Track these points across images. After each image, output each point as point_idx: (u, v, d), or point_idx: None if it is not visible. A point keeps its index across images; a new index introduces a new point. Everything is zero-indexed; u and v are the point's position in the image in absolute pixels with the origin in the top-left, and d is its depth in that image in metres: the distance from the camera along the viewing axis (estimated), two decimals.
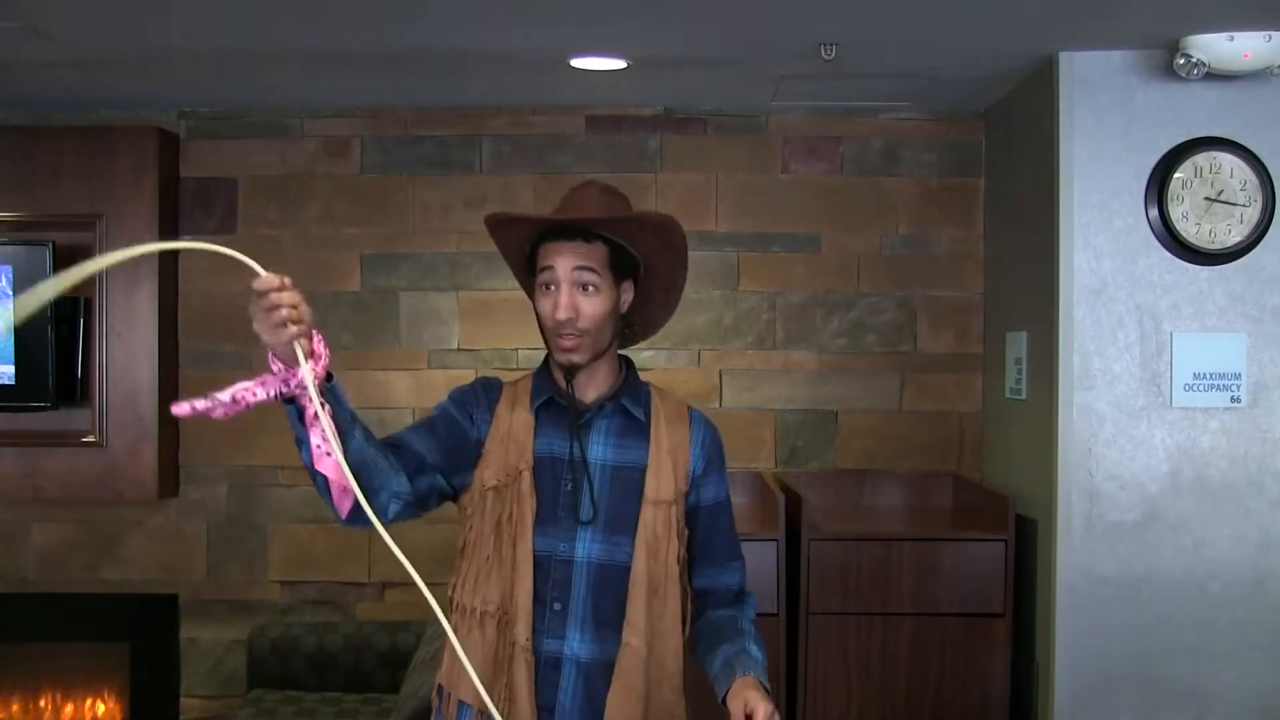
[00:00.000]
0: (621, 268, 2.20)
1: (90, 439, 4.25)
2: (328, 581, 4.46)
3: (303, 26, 3.37)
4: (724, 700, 2.11)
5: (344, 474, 1.91)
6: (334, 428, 1.92)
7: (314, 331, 1.86)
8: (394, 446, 2.16)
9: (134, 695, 4.44)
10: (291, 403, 1.91)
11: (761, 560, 3.69)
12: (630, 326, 2.33)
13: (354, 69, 3.87)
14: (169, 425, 4.36)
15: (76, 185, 4.24)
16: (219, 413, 1.80)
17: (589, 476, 2.20)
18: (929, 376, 4.45)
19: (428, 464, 2.17)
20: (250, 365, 4.46)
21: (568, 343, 2.17)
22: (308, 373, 1.82)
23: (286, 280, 1.84)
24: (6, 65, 3.75)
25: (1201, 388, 3.55)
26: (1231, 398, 3.54)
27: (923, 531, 3.91)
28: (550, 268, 2.16)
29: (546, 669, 2.16)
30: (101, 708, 4.52)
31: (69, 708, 4.51)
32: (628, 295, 2.24)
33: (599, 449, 2.23)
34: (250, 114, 4.47)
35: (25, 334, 4.14)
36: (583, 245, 2.15)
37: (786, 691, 3.75)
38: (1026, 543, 3.79)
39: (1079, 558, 3.56)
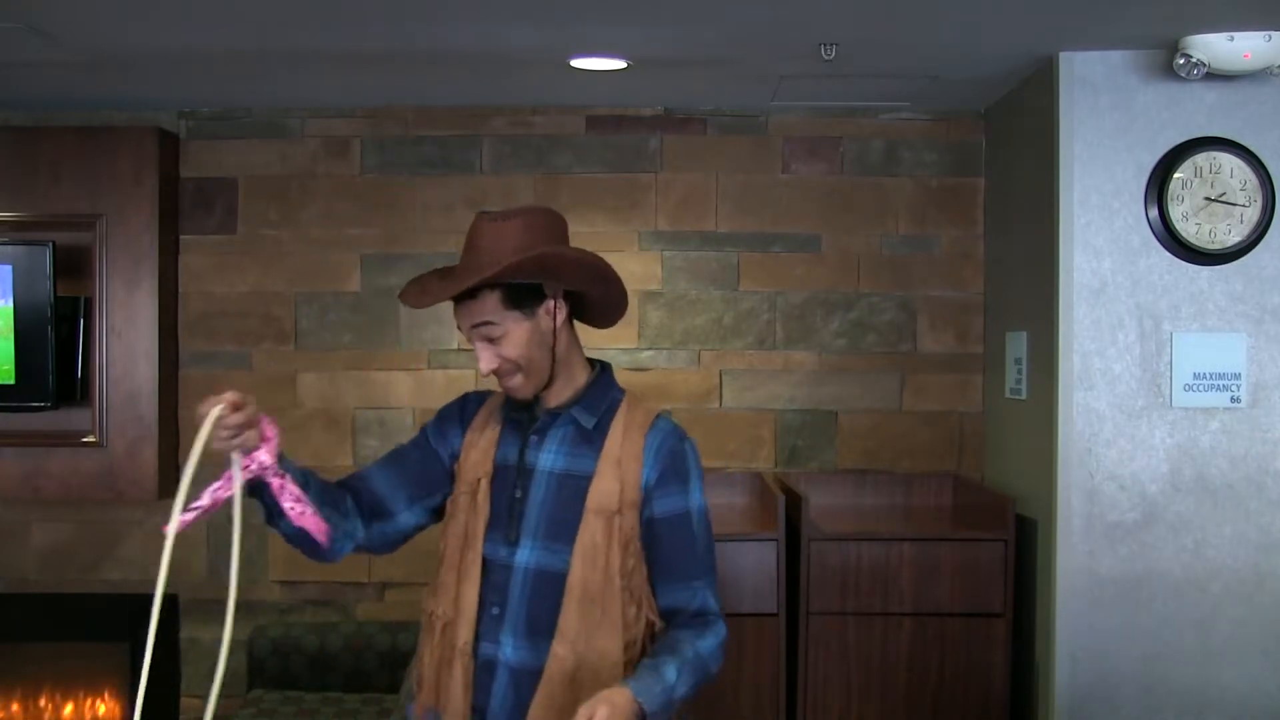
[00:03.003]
0: (529, 297, 2.19)
1: (90, 439, 4.25)
2: (328, 581, 4.45)
3: (303, 26, 3.37)
4: None
5: (320, 523, 2.08)
6: (298, 492, 2.07)
7: (262, 416, 2.00)
8: (354, 490, 2.29)
9: (134, 695, 4.44)
10: (254, 494, 2.08)
11: (761, 560, 3.69)
12: (587, 316, 2.36)
13: (354, 69, 3.87)
14: (169, 425, 4.36)
15: (76, 185, 4.23)
16: (205, 517, 2.04)
17: (524, 487, 2.23)
18: (929, 376, 4.45)
19: (387, 507, 2.30)
20: (250, 365, 4.48)
21: (507, 384, 2.24)
22: (238, 475, 2.02)
23: (229, 400, 1.94)
24: (6, 65, 3.75)
25: (1201, 388, 3.55)
26: (1231, 398, 3.54)
27: (923, 531, 3.91)
28: (459, 325, 2.24)
29: (482, 672, 2.20)
30: (101, 708, 4.52)
31: (69, 708, 4.51)
32: (560, 311, 2.23)
33: (550, 457, 2.25)
34: (250, 114, 4.47)
35: (25, 334, 4.14)
36: (470, 303, 2.18)
37: (787, 691, 3.75)
38: (1026, 543, 3.79)
39: (1079, 558, 3.56)
